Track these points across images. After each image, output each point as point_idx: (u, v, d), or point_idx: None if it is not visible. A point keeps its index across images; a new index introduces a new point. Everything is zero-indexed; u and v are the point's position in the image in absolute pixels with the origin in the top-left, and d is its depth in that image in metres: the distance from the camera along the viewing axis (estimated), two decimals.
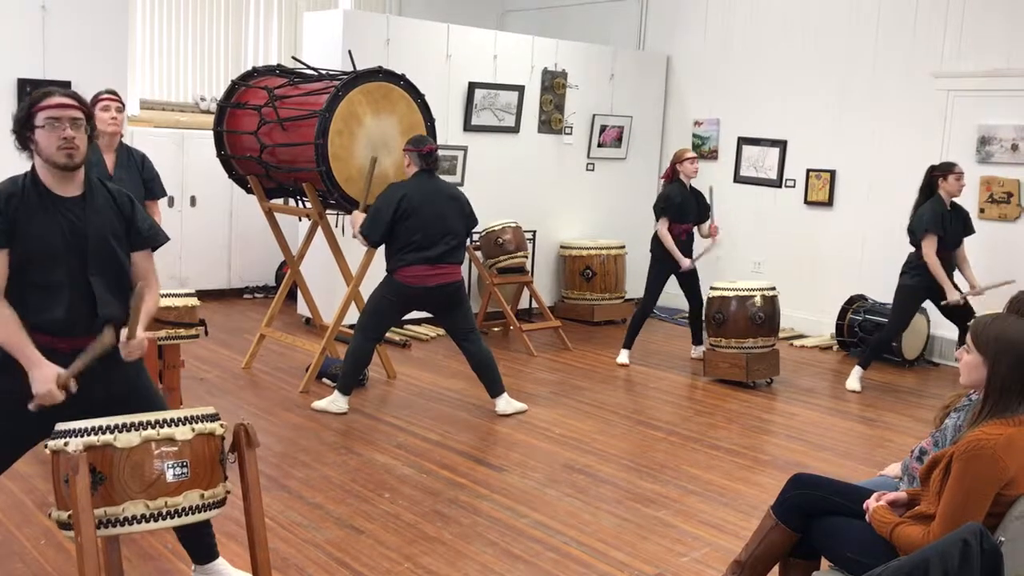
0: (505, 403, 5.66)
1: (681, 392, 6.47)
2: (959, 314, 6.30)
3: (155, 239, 3.14)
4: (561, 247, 8.72)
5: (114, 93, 4.97)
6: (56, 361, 2.86)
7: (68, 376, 2.82)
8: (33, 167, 2.94)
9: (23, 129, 2.89)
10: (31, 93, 3.00)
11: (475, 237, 7.32)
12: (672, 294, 7.55)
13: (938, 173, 6.32)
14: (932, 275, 6.21)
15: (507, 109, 8.21)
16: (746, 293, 6.49)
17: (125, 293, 3.02)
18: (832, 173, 8.19)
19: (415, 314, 6.19)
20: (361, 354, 5.59)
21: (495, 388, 5.67)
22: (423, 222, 5.36)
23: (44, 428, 2.78)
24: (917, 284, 6.34)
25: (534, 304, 8.25)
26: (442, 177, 5.79)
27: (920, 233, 6.22)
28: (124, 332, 2.90)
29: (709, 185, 7.27)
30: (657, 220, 6.94)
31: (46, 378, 2.80)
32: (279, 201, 6.78)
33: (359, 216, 5.63)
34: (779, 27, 8.49)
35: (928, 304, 6.64)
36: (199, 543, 3.27)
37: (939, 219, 6.19)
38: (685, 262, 6.90)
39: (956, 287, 6.27)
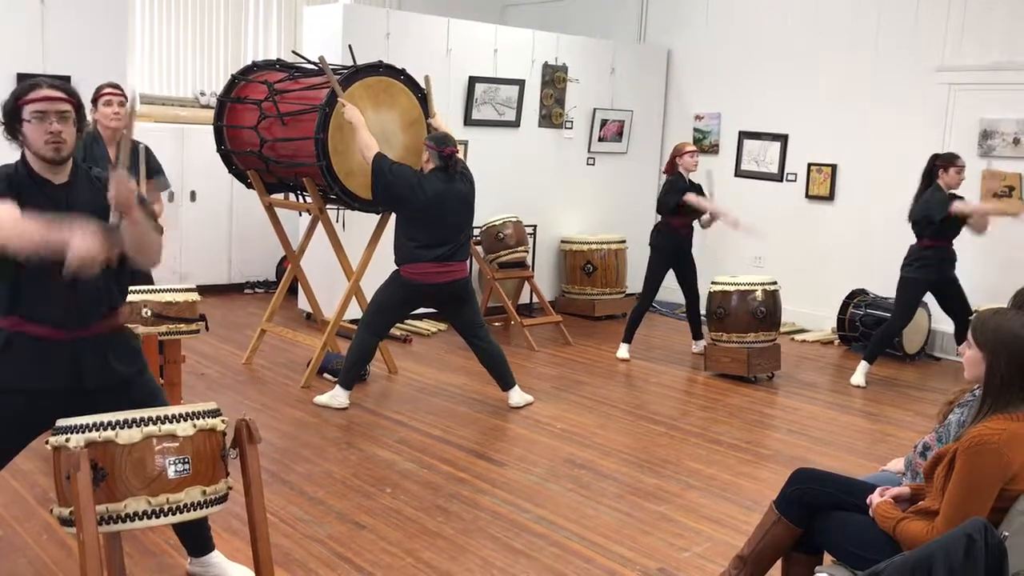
0: (517, 396, 5.70)
1: (682, 387, 6.47)
2: (956, 309, 6.29)
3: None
4: (562, 242, 8.71)
5: (117, 87, 4.96)
6: (55, 352, 2.84)
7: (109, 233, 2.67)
8: (23, 154, 2.93)
9: (12, 121, 2.87)
10: (18, 84, 2.97)
11: (475, 232, 7.30)
12: (673, 288, 7.53)
13: (940, 163, 6.29)
14: (940, 257, 6.25)
15: (508, 103, 8.19)
16: (747, 287, 6.49)
17: (118, 276, 2.97)
18: (833, 167, 8.17)
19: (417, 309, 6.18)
20: (364, 349, 5.58)
21: (506, 382, 5.69)
22: (432, 220, 5.34)
23: (45, 422, 2.77)
24: (919, 276, 6.34)
25: (535, 299, 8.24)
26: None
27: (938, 216, 6.16)
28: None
29: (707, 169, 7.24)
30: (669, 206, 6.90)
31: (87, 235, 2.61)
32: (279, 196, 6.77)
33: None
34: (780, 20, 8.46)
35: (929, 298, 6.64)
36: (196, 535, 3.28)
37: (947, 200, 6.15)
38: (706, 205, 6.84)
39: (950, 264, 6.33)
